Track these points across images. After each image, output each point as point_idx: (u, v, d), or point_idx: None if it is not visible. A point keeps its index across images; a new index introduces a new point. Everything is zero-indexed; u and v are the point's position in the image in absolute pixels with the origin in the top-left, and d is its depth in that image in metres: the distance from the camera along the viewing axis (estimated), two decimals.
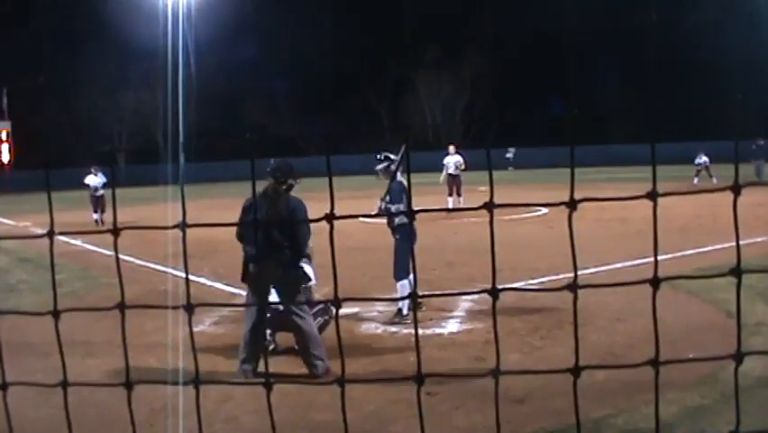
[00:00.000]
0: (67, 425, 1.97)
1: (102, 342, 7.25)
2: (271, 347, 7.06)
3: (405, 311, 8.34)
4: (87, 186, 20.49)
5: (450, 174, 21.99)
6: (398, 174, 8.80)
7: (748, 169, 27.91)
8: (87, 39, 51.32)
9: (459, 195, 21.61)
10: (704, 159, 29.66)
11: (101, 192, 20.09)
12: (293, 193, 6.70)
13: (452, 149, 22.73)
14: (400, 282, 8.48)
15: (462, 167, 21.79)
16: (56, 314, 1.88)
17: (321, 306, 7.22)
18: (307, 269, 7.05)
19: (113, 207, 1.92)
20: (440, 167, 22.75)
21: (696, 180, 29.02)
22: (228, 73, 56.20)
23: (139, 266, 12.08)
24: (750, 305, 7.84)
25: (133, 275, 10.80)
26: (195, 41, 45.74)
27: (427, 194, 18.34)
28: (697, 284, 8.47)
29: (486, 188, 1.66)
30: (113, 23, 46.81)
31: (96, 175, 20.30)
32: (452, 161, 22.02)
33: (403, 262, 8.52)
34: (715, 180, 27.79)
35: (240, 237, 6.64)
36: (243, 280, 6.71)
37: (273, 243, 6.45)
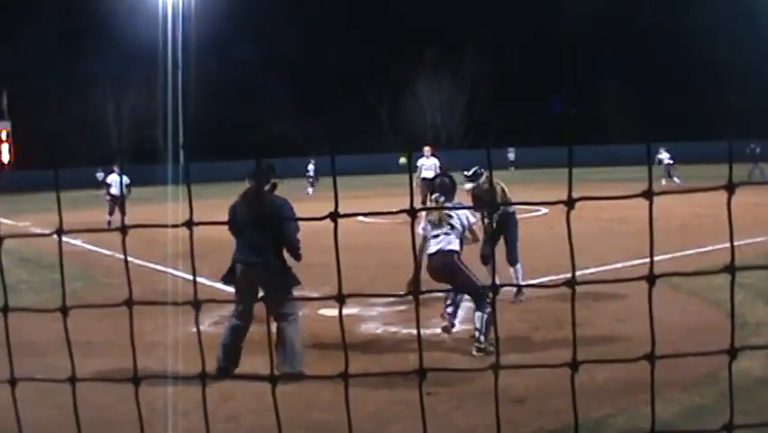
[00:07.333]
0: (68, 423, 1.97)
1: (100, 342, 7.24)
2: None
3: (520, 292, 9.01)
4: (108, 185, 20.75)
5: (425, 178, 18.38)
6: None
7: (745, 169, 27.86)
8: (87, 39, 51.31)
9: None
10: (665, 155, 29.20)
11: (118, 193, 20.38)
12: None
13: (427, 150, 20.36)
14: (519, 265, 9.42)
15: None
16: (64, 311, 1.88)
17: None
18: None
19: (122, 207, 1.93)
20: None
21: (677, 180, 28.25)
22: (228, 73, 56.17)
23: (138, 266, 12.06)
24: (750, 305, 7.84)
25: (133, 275, 10.75)
26: (195, 41, 45.77)
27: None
28: (697, 285, 8.45)
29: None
30: (112, 23, 46.82)
31: (118, 175, 20.58)
32: (429, 163, 19.79)
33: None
34: (677, 180, 27.80)
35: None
36: (225, 281, 6.58)
37: (257, 246, 6.32)
